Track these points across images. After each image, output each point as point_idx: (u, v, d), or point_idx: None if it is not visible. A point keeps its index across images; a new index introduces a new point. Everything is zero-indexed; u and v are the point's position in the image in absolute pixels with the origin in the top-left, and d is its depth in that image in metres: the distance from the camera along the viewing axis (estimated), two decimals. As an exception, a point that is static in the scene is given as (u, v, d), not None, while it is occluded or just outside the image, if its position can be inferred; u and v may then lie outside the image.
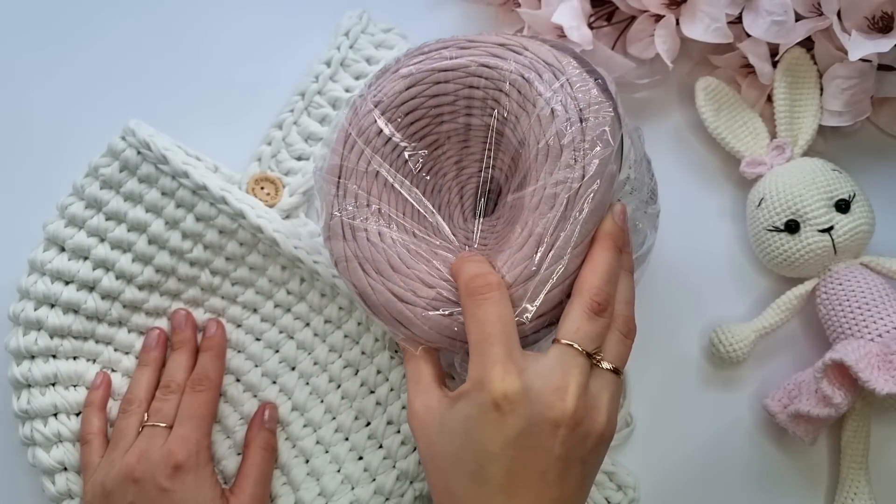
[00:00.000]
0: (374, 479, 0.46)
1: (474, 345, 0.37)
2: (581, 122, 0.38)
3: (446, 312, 0.39)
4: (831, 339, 0.48)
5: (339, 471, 0.47)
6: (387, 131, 0.42)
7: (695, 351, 0.51)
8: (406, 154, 0.43)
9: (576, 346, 0.37)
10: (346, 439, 0.47)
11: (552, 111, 0.38)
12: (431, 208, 0.43)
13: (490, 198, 0.45)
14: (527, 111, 0.40)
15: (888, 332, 0.46)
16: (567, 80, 0.39)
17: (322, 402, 0.48)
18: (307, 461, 0.47)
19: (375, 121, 0.42)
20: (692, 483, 0.50)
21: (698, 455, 0.50)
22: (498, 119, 0.41)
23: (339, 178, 0.42)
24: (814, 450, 0.50)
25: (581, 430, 0.36)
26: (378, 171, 0.42)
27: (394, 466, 0.46)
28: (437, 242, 0.42)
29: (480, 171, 0.45)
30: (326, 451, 0.47)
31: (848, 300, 0.48)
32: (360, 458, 0.47)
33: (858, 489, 0.47)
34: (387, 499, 0.46)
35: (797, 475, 0.49)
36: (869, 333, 0.46)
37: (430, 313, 0.40)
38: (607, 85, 0.40)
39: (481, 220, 0.45)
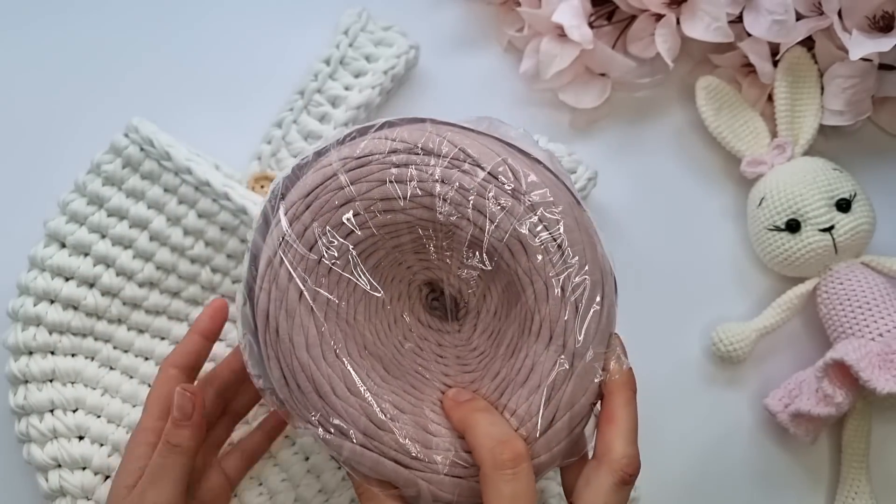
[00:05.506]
0: None
1: None
2: (581, 266, 0.34)
3: (463, 475, 0.34)
4: (832, 339, 0.48)
5: (339, 468, 0.47)
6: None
7: (695, 350, 0.51)
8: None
9: None
10: None
11: (546, 248, 0.34)
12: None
13: (441, 302, 0.40)
14: (513, 247, 0.35)
15: (889, 331, 0.46)
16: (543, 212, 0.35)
17: None
18: (307, 458, 0.47)
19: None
20: (693, 482, 0.49)
21: (699, 454, 0.50)
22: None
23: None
24: (814, 449, 0.50)
25: None
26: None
27: None
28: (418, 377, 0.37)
29: (431, 274, 0.39)
30: None
31: (849, 299, 0.48)
32: None
33: (859, 488, 0.47)
34: None
35: (798, 474, 0.49)
36: (870, 333, 0.46)
37: (446, 479, 0.34)
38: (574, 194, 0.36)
39: (440, 325, 0.40)
